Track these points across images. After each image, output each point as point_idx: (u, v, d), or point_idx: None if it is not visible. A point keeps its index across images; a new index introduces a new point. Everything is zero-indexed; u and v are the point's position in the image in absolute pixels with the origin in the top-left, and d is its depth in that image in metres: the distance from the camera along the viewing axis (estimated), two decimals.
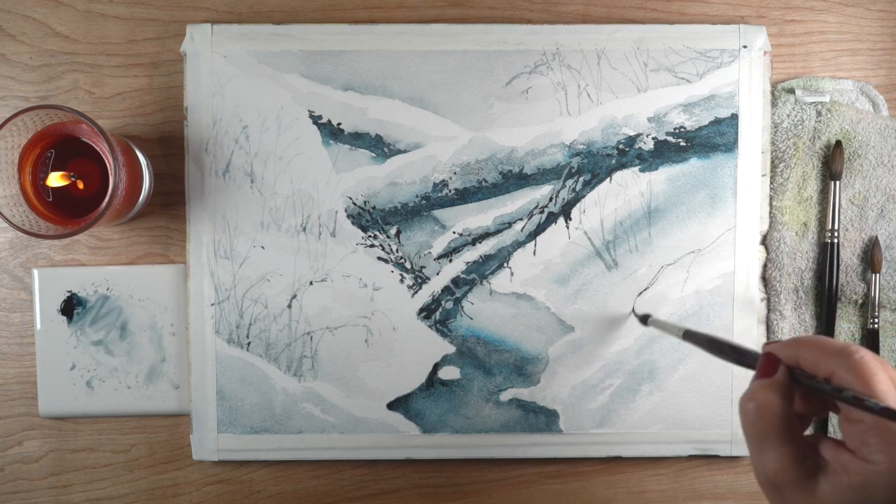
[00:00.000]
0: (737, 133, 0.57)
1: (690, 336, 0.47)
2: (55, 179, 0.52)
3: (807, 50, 0.59)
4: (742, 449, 0.58)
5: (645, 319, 0.56)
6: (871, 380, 0.34)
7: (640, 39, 0.56)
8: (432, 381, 0.57)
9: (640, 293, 0.57)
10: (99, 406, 0.57)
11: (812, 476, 0.36)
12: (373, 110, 0.56)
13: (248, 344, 0.57)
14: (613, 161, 0.57)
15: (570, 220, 0.57)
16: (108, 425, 0.58)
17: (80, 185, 0.52)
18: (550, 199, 0.57)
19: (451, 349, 0.57)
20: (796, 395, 0.38)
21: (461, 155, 0.57)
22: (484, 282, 0.57)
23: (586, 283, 0.57)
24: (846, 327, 0.58)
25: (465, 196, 0.57)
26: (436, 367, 0.57)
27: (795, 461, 0.36)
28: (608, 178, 0.57)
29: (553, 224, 0.57)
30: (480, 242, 0.57)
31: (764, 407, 0.37)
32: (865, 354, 0.35)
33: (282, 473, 0.59)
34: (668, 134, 0.57)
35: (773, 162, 0.58)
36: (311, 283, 0.57)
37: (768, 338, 0.58)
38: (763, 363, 0.38)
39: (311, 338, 0.57)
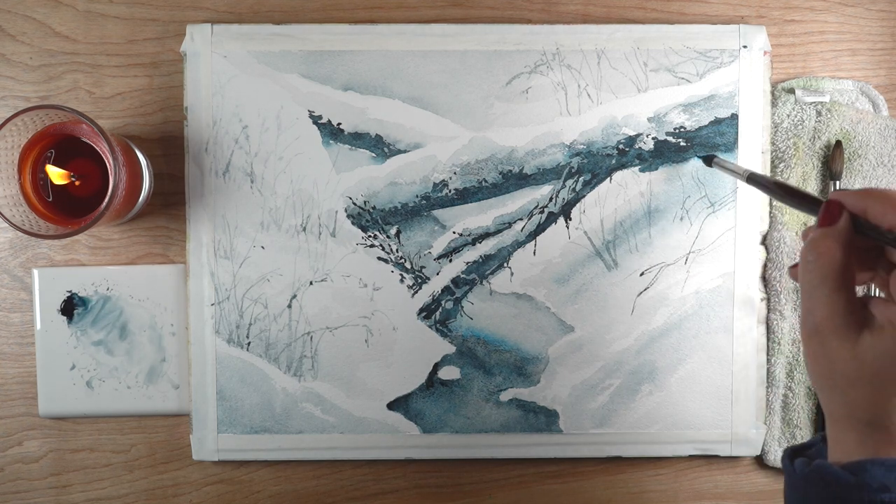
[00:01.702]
0: (737, 133, 0.57)
1: (754, 179, 0.47)
2: (56, 176, 0.51)
3: (807, 50, 0.59)
4: (741, 449, 0.58)
5: (709, 160, 0.55)
6: None
7: (640, 39, 0.56)
8: (432, 381, 0.57)
9: (640, 293, 0.57)
10: (99, 406, 0.57)
11: (857, 327, 0.36)
12: (373, 110, 0.56)
13: (248, 344, 0.57)
14: (613, 161, 0.57)
15: (570, 220, 0.57)
16: (108, 425, 0.58)
17: (77, 183, 0.52)
18: (550, 199, 0.57)
19: (451, 349, 0.57)
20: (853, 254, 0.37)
21: (461, 155, 0.57)
22: (484, 282, 0.57)
23: (586, 283, 0.57)
24: None
25: (465, 196, 0.57)
26: (436, 367, 0.57)
27: (845, 310, 0.36)
28: (608, 178, 0.57)
29: (553, 224, 0.57)
30: (480, 242, 0.57)
31: (823, 255, 0.36)
32: None
33: (282, 473, 0.59)
34: (668, 134, 0.57)
35: (773, 162, 0.58)
36: (311, 283, 0.57)
37: (769, 337, 0.58)
38: (826, 210, 0.38)
39: (311, 338, 0.57)
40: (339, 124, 0.56)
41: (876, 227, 0.36)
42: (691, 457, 0.59)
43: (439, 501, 0.59)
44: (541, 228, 0.57)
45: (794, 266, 0.41)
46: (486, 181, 0.57)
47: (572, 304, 0.57)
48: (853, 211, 0.37)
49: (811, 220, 0.57)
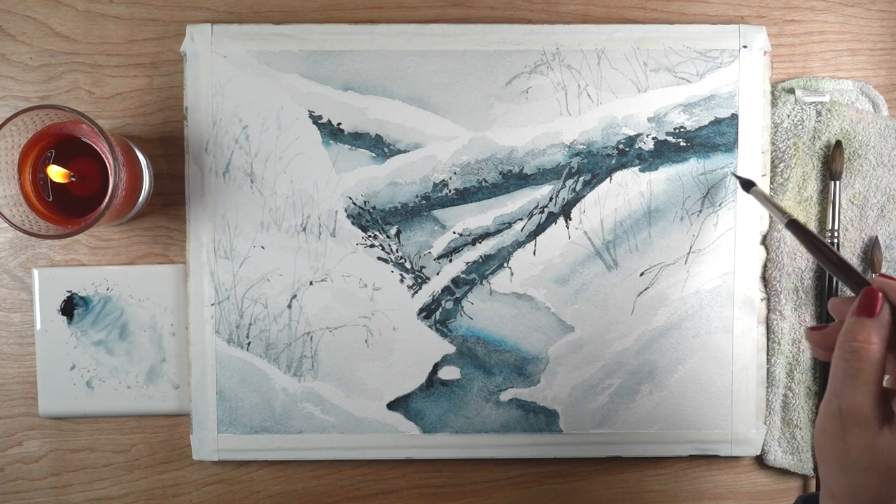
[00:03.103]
0: (737, 133, 0.57)
1: (794, 227, 0.47)
2: (56, 174, 0.51)
3: (807, 50, 0.59)
4: (741, 449, 0.58)
5: (748, 185, 0.54)
6: None
7: (640, 39, 0.56)
8: (432, 381, 0.57)
9: (640, 293, 0.57)
10: (99, 406, 0.57)
11: (880, 421, 0.36)
12: (373, 110, 0.56)
13: (248, 344, 0.57)
14: (613, 161, 0.57)
15: (570, 220, 0.57)
16: (108, 425, 0.58)
17: (75, 180, 0.52)
18: (550, 199, 0.57)
19: (451, 349, 0.57)
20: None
21: (461, 155, 0.57)
22: (484, 282, 0.57)
23: (586, 283, 0.57)
24: None
25: (465, 196, 0.57)
26: (436, 367, 0.57)
27: (873, 403, 0.36)
28: (608, 178, 0.57)
29: (553, 224, 0.57)
30: (480, 242, 0.57)
31: (861, 349, 0.37)
32: None
33: (282, 473, 0.59)
34: (668, 134, 0.57)
35: (773, 162, 0.58)
36: (311, 283, 0.57)
37: (769, 337, 0.58)
38: (866, 300, 0.38)
39: (311, 338, 0.57)
40: (339, 124, 0.56)
41: None
42: (691, 457, 0.59)
43: (439, 501, 0.59)
44: (541, 228, 0.57)
45: (814, 329, 0.41)
46: (486, 181, 0.57)
47: (572, 304, 0.57)
48: (894, 303, 0.38)
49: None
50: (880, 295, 0.38)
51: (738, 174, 0.56)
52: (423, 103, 0.56)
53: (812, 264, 0.57)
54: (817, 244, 0.45)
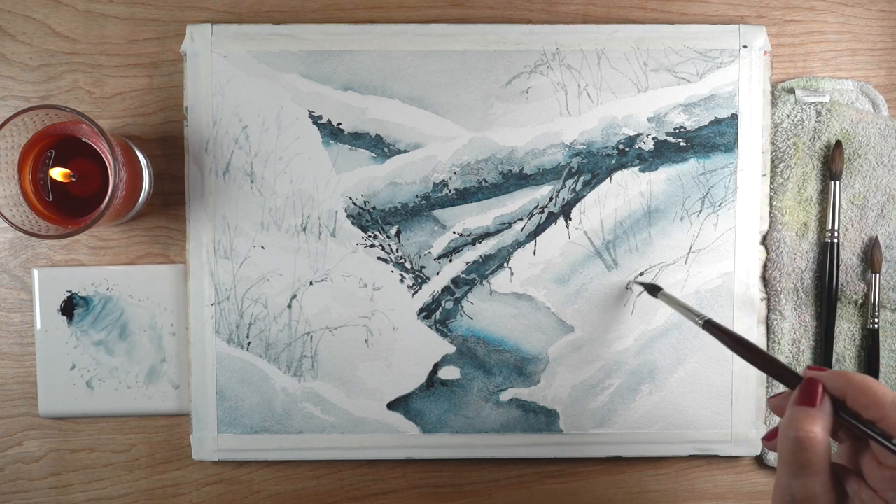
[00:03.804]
0: (737, 133, 0.57)
1: (712, 327, 0.46)
2: (57, 174, 0.52)
3: (807, 50, 0.59)
4: (741, 449, 0.58)
5: (655, 290, 0.54)
6: None
7: (640, 39, 0.56)
8: (432, 381, 0.57)
9: (640, 293, 0.57)
10: (99, 406, 0.57)
11: None
12: (373, 110, 0.56)
13: (248, 344, 0.57)
14: (613, 161, 0.57)
15: (570, 220, 0.57)
16: (108, 425, 0.58)
17: (75, 180, 0.52)
18: (550, 199, 0.57)
19: (451, 349, 0.57)
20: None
21: (461, 155, 0.57)
22: (484, 282, 0.57)
23: (586, 283, 0.57)
24: (846, 327, 0.58)
25: (465, 196, 0.57)
26: (436, 367, 0.57)
27: (823, 490, 0.37)
28: (608, 178, 0.57)
29: (553, 224, 0.57)
30: (480, 242, 0.57)
31: (807, 439, 0.37)
32: None
33: (282, 473, 0.59)
34: (668, 134, 0.57)
35: (773, 162, 0.58)
36: (311, 283, 0.57)
37: (769, 337, 0.58)
38: (807, 390, 0.38)
39: (311, 338, 0.57)
40: (339, 124, 0.56)
41: (857, 416, 0.38)
42: (691, 457, 0.59)
43: (439, 501, 0.59)
44: (541, 228, 0.57)
45: (769, 438, 0.41)
46: (486, 181, 0.57)
47: (572, 304, 0.57)
48: (833, 394, 0.38)
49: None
50: (820, 385, 0.38)
51: (639, 281, 0.56)
52: (423, 103, 0.56)
53: (812, 264, 0.57)
54: (740, 341, 0.44)
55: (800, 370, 0.58)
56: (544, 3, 0.58)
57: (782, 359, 0.58)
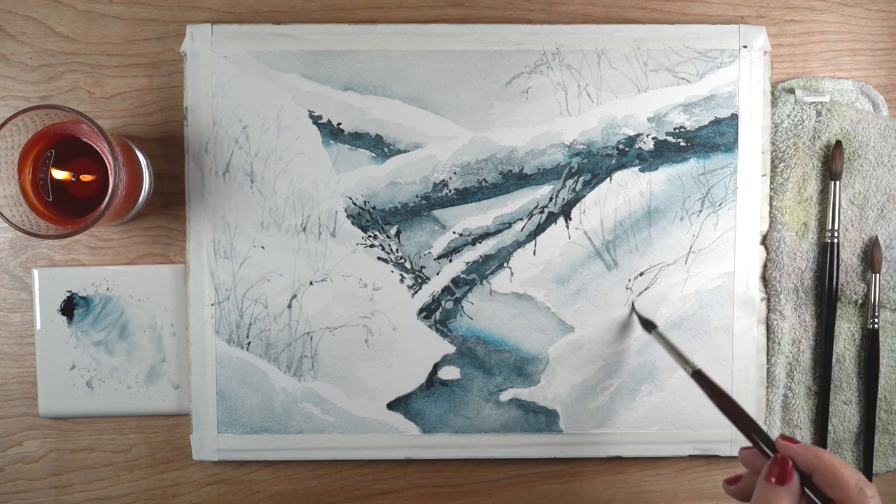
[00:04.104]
0: (737, 133, 0.57)
1: (700, 378, 0.48)
2: (59, 175, 0.52)
3: (807, 50, 0.59)
4: None
5: (650, 326, 0.56)
6: None
7: (640, 39, 0.56)
8: (432, 381, 0.57)
9: (640, 293, 0.57)
10: (99, 406, 0.57)
11: None
12: (373, 110, 0.56)
13: (248, 344, 0.57)
14: (613, 161, 0.57)
15: (570, 220, 0.57)
16: (108, 425, 0.58)
17: (84, 179, 0.52)
18: (550, 199, 0.57)
19: (451, 349, 0.57)
20: None
21: (461, 155, 0.57)
22: (484, 282, 0.57)
23: (586, 283, 0.57)
24: (846, 327, 0.58)
25: (465, 196, 0.57)
26: (436, 367, 0.57)
27: None
28: (608, 178, 0.57)
29: (553, 224, 0.57)
30: (480, 242, 0.57)
31: None
32: (878, 499, 0.39)
33: (282, 473, 0.59)
34: (668, 134, 0.57)
35: (773, 162, 0.58)
36: (311, 283, 0.57)
37: (769, 337, 0.58)
38: (779, 469, 0.41)
39: (311, 338, 0.57)
40: (339, 124, 0.56)
41: (822, 495, 0.40)
42: (691, 457, 0.59)
43: (439, 501, 0.59)
44: (541, 228, 0.57)
45: (729, 482, 0.45)
46: (486, 181, 0.57)
47: (572, 304, 0.57)
48: (802, 469, 0.41)
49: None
50: (790, 464, 0.41)
51: (639, 312, 0.57)
52: (423, 103, 0.56)
53: (812, 264, 0.57)
54: (722, 399, 0.47)
55: (800, 369, 0.58)
56: (544, 3, 0.58)
57: (782, 359, 0.58)
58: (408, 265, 0.57)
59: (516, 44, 0.56)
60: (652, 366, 0.57)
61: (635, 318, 0.57)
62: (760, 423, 0.58)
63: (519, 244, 0.57)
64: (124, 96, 0.57)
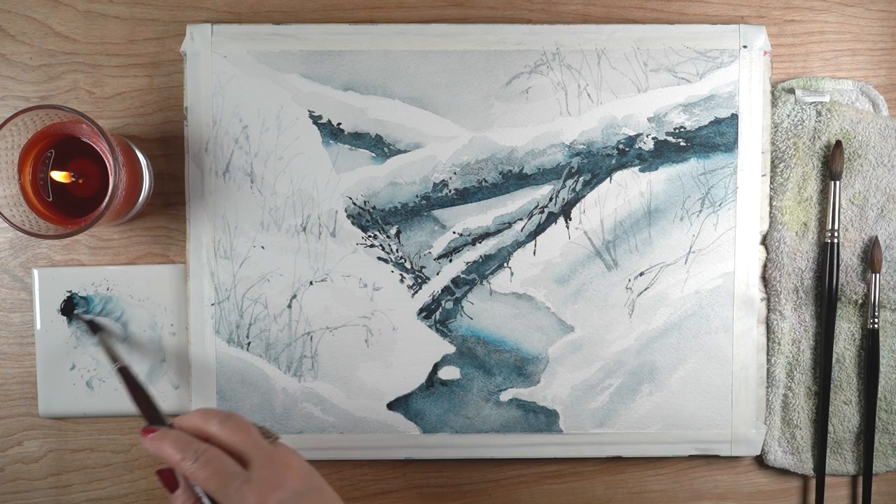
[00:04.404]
0: (737, 133, 0.57)
1: (124, 374, 0.50)
2: (59, 176, 0.52)
3: (807, 50, 0.59)
4: (741, 449, 0.58)
5: (95, 328, 0.56)
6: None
7: (640, 39, 0.56)
8: (432, 381, 0.57)
9: (640, 293, 0.57)
10: (99, 406, 0.57)
11: None
12: (373, 110, 0.56)
13: (248, 344, 0.57)
14: (613, 161, 0.57)
15: (570, 220, 0.57)
16: (108, 425, 0.58)
17: (80, 182, 0.52)
18: (550, 199, 0.57)
19: (451, 349, 0.57)
20: None
21: (461, 155, 0.57)
22: (484, 282, 0.57)
23: (586, 283, 0.57)
24: (846, 327, 0.58)
25: (465, 196, 0.57)
26: (436, 367, 0.57)
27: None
28: (608, 178, 0.57)
29: (553, 224, 0.57)
30: (480, 242, 0.57)
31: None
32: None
33: None
34: (668, 134, 0.57)
35: (773, 162, 0.58)
36: (311, 283, 0.57)
37: (769, 337, 0.58)
38: (165, 480, 0.45)
39: (311, 338, 0.57)
40: (339, 124, 0.56)
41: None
42: (691, 457, 0.59)
43: (439, 501, 0.59)
44: (541, 228, 0.57)
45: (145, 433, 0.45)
46: (486, 181, 0.57)
47: (572, 304, 0.57)
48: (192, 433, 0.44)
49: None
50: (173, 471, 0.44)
51: (85, 317, 0.57)
52: (423, 103, 0.56)
53: (812, 264, 0.57)
54: (135, 393, 0.49)
55: (800, 369, 0.58)
56: (544, 3, 0.58)
57: (782, 359, 0.58)
58: (408, 265, 0.57)
59: (516, 44, 0.56)
60: (652, 366, 0.57)
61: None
62: (760, 422, 0.58)
63: (519, 244, 0.57)
64: (124, 96, 0.57)
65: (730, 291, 0.57)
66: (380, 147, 0.56)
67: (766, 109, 0.57)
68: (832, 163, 0.56)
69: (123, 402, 0.57)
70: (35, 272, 0.57)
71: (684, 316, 0.57)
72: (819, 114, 0.57)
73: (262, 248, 0.57)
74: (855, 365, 0.58)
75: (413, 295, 0.57)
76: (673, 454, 0.58)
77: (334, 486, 0.59)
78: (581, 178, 0.57)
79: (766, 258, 0.58)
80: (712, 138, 0.57)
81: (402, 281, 0.57)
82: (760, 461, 0.59)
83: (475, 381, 0.57)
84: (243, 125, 0.56)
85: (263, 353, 0.57)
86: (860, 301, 0.58)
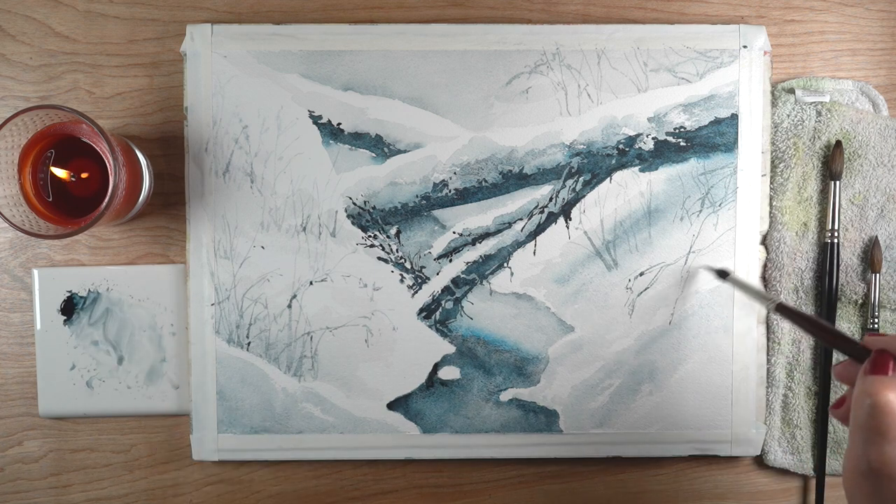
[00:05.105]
0: (737, 133, 0.57)
1: (784, 311, 0.48)
2: (60, 172, 0.52)
3: (807, 50, 0.59)
4: (741, 449, 0.58)
5: (724, 275, 0.55)
6: None
7: (640, 39, 0.57)
8: (432, 381, 0.57)
9: (640, 293, 0.57)
10: (99, 406, 0.57)
11: None
12: (373, 110, 0.56)
13: (248, 344, 0.57)
14: (613, 161, 0.57)
15: (570, 220, 0.57)
16: (108, 425, 0.58)
17: (83, 177, 0.52)
18: (550, 199, 0.57)
19: (451, 349, 0.57)
20: None
21: (461, 155, 0.57)
22: (484, 282, 0.57)
23: (586, 283, 0.57)
24: (846, 327, 0.58)
25: (465, 196, 0.57)
26: (436, 367, 0.57)
27: None
28: (608, 178, 0.57)
29: (553, 224, 0.57)
30: (480, 242, 0.57)
31: (884, 404, 0.38)
32: None
33: (282, 473, 0.59)
34: (668, 134, 0.57)
35: (773, 162, 0.58)
36: (311, 283, 0.57)
37: (769, 337, 0.58)
38: (878, 360, 0.40)
39: (311, 338, 0.57)
40: (339, 124, 0.56)
41: None
42: (691, 457, 0.59)
43: (439, 501, 0.59)
44: (541, 228, 0.57)
45: (837, 406, 0.42)
46: (486, 181, 0.57)
47: (572, 304, 0.57)
48: None
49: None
50: (890, 355, 0.39)
51: (712, 266, 0.57)
52: (423, 103, 0.56)
53: (812, 264, 0.57)
54: (811, 321, 0.46)
55: (800, 369, 0.58)
56: (544, 3, 0.58)
57: (782, 359, 0.58)
58: (408, 265, 0.57)
59: (516, 44, 0.56)
60: (652, 366, 0.57)
61: (705, 273, 0.57)
62: (760, 423, 0.58)
63: (519, 244, 0.57)
64: (124, 96, 0.57)
65: (730, 291, 0.57)
66: (380, 147, 0.56)
67: (766, 109, 0.57)
68: (832, 163, 0.56)
69: (123, 402, 0.57)
70: (35, 272, 0.57)
71: (684, 316, 0.57)
72: (819, 114, 0.57)
73: (262, 248, 0.57)
74: None
75: (413, 295, 0.57)
76: (673, 454, 0.58)
77: (334, 486, 0.59)
78: (581, 178, 0.57)
79: (766, 258, 0.58)
80: (712, 138, 0.57)
81: (402, 281, 0.57)
82: (760, 461, 0.59)
83: (475, 381, 0.57)
84: (243, 125, 0.56)
85: (263, 353, 0.57)
86: (860, 301, 0.58)
